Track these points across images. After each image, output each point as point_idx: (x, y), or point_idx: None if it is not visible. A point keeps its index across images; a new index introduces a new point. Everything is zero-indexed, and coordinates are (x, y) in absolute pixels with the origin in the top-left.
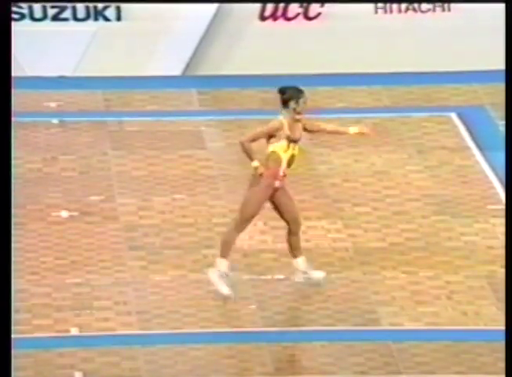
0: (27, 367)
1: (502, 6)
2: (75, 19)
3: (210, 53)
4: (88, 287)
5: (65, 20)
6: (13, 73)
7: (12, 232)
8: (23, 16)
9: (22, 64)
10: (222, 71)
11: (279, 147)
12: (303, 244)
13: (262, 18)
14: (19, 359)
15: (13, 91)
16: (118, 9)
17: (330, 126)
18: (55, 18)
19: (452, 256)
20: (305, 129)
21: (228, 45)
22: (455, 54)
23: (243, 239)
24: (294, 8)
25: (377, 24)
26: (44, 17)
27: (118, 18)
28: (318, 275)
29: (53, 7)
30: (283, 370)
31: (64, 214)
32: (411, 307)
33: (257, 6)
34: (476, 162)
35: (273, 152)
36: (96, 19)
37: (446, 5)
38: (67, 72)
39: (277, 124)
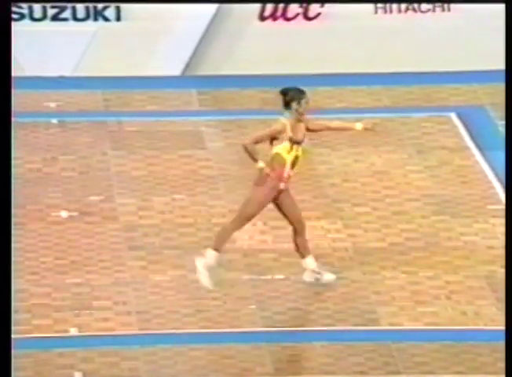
0: (26, 367)
1: (501, 6)
2: (75, 19)
3: (210, 53)
4: (88, 287)
5: (65, 20)
6: (13, 73)
7: (12, 232)
8: (22, 16)
9: (22, 64)
10: (222, 71)
11: (282, 148)
12: None
13: (262, 18)
14: (18, 359)
15: (13, 91)
16: (118, 9)
17: (334, 123)
18: (55, 18)
19: (452, 256)
20: (308, 130)
21: (227, 45)
22: (454, 54)
23: (243, 239)
24: (294, 8)
25: (377, 24)
26: (44, 17)
27: (118, 18)
28: (328, 277)
29: (52, 7)
30: (282, 370)
31: (64, 214)
32: (411, 307)
33: (257, 6)
34: (475, 162)
35: (277, 154)
36: (95, 19)
37: (446, 5)
38: (67, 72)
39: (280, 126)
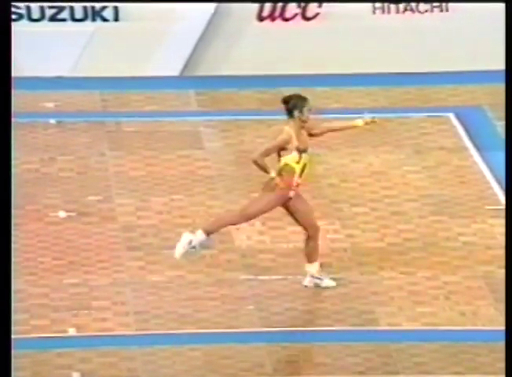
0: (24, 367)
1: (500, 7)
2: (73, 19)
3: (208, 54)
4: (86, 288)
5: (63, 20)
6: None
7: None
8: (20, 17)
9: (20, 64)
10: (220, 71)
11: (291, 159)
12: (301, 245)
13: (260, 18)
14: (17, 359)
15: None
16: (116, 10)
17: (335, 124)
18: (53, 18)
19: (450, 256)
20: (311, 135)
21: (225, 45)
22: (452, 55)
23: (241, 240)
24: (292, 8)
25: (375, 25)
26: (42, 18)
27: (116, 18)
28: (328, 283)
29: (50, 7)
30: (281, 370)
31: (62, 214)
32: (409, 307)
33: (255, 7)
34: (474, 162)
35: (286, 165)
36: (93, 19)
37: (444, 5)
38: (65, 72)
39: (286, 137)
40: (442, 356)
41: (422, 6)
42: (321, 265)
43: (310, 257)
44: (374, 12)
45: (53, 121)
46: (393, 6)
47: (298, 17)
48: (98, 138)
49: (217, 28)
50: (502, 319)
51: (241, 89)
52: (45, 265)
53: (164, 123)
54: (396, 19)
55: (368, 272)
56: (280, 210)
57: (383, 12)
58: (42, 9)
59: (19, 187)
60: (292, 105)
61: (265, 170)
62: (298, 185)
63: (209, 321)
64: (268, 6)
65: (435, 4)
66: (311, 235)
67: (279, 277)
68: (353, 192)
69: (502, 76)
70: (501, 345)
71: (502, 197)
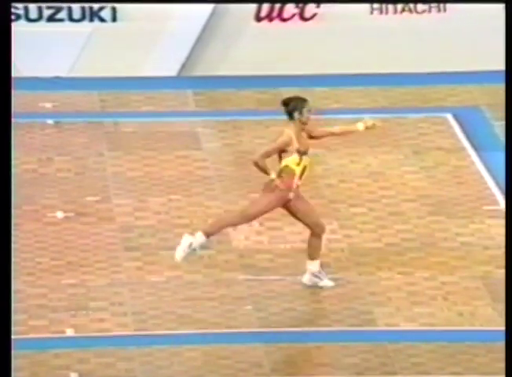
0: (22, 368)
1: (498, 7)
2: (71, 19)
3: (206, 54)
4: (83, 288)
5: (61, 20)
6: None
7: None
8: (18, 17)
9: (17, 64)
10: (218, 71)
11: (291, 161)
12: (299, 245)
13: (258, 19)
14: (15, 360)
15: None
16: (114, 10)
17: (336, 129)
18: (50, 19)
19: (448, 257)
20: (311, 137)
21: (223, 45)
22: (450, 55)
23: (239, 240)
24: (290, 8)
25: (373, 25)
26: (39, 18)
27: (114, 19)
28: (327, 283)
29: (48, 8)
30: (278, 371)
31: (60, 214)
32: (407, 308)
33: (253, 7)
34: (471, 162)
35: (286, 166)
36: (91, 20)
37: (442, 5)
38: (63, 73)
39: (286, 139)
40: (440, 357)
41: (420, 7)
42: (320, 265)
43: (312, 254)
44: (371, 13)
45: (50, 121)
46: (390, 7)
47: (296, 18)
48: (96, 138)
49: (215, 28)
50: (499, 319)
51: (239, 89)
52: (43, 265)
53: (162, 124)
54: (393, 19)
55: (366, 273)
56: (278, 210)
57: (381, 12)
58: (39, 9)
59: (17, 187)
60: (292, 107)
61: (265, 171)
62: (297, 187)
63: (207, 321)
64: (266, 7)
65: (433, 4)
66: (316, 233)
67: (277, 277)
68: (351, 192)
69: (500, 76)
70: (499, 345)
71: (500, 197)
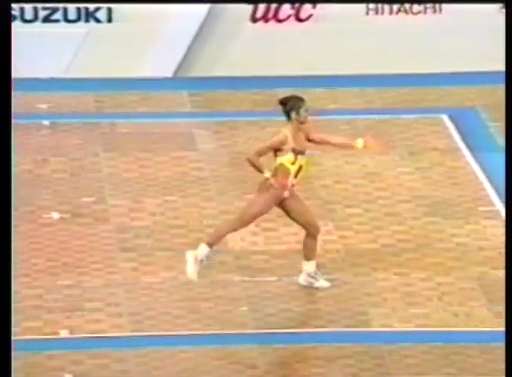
0: (17, 369)
1: (493, 8)
2: (66, 20)
3: (202, 55)
4: (79, 289)
5: (56, 21)
6: None
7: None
8: (14, 18)
9: (13, 65)
10: (214, 72)
11: (286, 160)
12: (295, 246)
13: (254, 20)
14: None
15: None
16: (110, 11)
17: (335, 139)
18: (46, 20)
19: (443, 257)
20: (308, 140)
21: (219, 46)
22: (446, 56)
23: (235, 241)
24: (286, 9)
25: (368, 26)
26: (35, 19)
27: (110, 19)
28: (322, 284)
29: (44, 9)
30: (274, 372)
31: (56, 215)
32: (403, 308)
33: (249, 8)
34: (467, 163)
35: (281, 165)
36: (87, 20)
37: (437, 6)
38: (59, 74)
39: (282, 138)
40: (435, 358)
41: (416, 7)
42: (316, 266)
43: (307, 255)
44: (367, 14)
45: (46, 122)
46: (386, 7)
47: (292, 19)
48: (92, 139)
49: (211, 29)
50: (495, 320)
51: (235, 90)
52: (38, 266)
53: (158, 125)
54: (389, 20)
55: (362, 274)
56: (274, 211)
57: (376, 13)
58: (35, 10)
59: (12, 188)
60: (289, 107)
61: (258, 168)
62: (293, 186)
63: (202, 322)
64: (261, 8)
65: (428, 5)
66: (311, 233)
67: (273, 278)
68: (347, 193)
69: (496, 77)
70: (494, 346)
71: (495, 198)
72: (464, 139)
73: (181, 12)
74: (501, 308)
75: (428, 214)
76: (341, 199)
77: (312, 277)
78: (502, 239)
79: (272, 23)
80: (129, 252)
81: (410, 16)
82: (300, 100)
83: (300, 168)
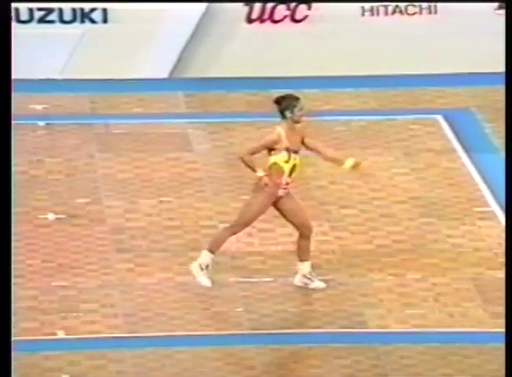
0: (13, 370)
1: (488, 9)
2: (62, 21)
3: (197, 56)
4: (75, 290)
5: (51, 22)
6: None
7: None
8: None
9: None
10: (209, 73)
11: (280, 158)
12: (290, 247)
13: (249, 20)
14: None
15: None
16: (105, 12)
17: (328, 152)
18: (41, 20)
19: (439, 258)
20: (302, 143)
21: (214, 47)
22: (441, 57)
23: (231, 242)
24: (281, 10)
25: (364, 27)
26: (30, 20)
27: (105, 20)
28: (318, 285)
29: (39, 9)
30: (270, 373)
31: (51, 216)
32: (399, 309)
33: (244, 9)
34: (462, 164)
35: (275, 163)
36: (82, 21)
37: (433, 7)
38: (54, 75)
39: (275, 137)
40: (431, 358)
41: (411, 8)
42: (312, 267)
43: (301, 256)
44: (363, 15)
45: (41, 123)
46: (381, 8)
47: (287, 19)
48: (87, 140)
49: (206, 30)
50: (490, 321)
51: (230, 91)
52: (33, 267)
53: (153, 125)
54: (384, 21)
55: (357, 274)
56: (269, 212)
57: (372, 14)
58: (30, 10)
59: None
60: (284, 106)
61: (251, 167)
62: (287, 184)
63: (198, 323)
64: (257, 8)
65: (424, 6)
66: (304, 234)
67: (269, 279)
68: (342, 194)
69: (491, 78)
70: (490, 346)
71: (490, 199)
72: (459, 140)
73: (177, 13)
74: (496, 308)
75: (423, 214)
76: (336, 200)
77: (308, 278)
78: (498, 239)
79: (267, 24)
80: (124, 253)
81: (405, 17)
82: (295, 99)
83: (294, 167)
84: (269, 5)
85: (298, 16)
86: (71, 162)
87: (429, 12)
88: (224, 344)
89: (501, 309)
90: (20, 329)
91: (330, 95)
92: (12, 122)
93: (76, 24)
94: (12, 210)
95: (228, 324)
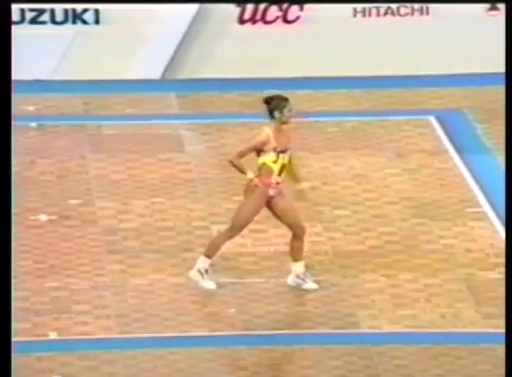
0: None
1: (480, 9)
2: (53, 22)
3: (189, 57)
4: (67, 291)
5: (43, 23)
6: None
7: None
8: None
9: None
10: (201, 74)
11: (268, 159)
12: (283, 247)
13: (241, 21)
14: None
15: None
16: (97, 13)
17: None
18: (33, 21)
19: (431, 259)
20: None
21: (207, 48)
22: (433, 57)
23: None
24: (273, 11)
25: (356, 28)
26: (22, 20)
27: (97, 21)
28: (311, 286)
29: (30, 10)
30: (262, 373)
31: (43, 217)
32: (391, 310)
33: (237, 10)
34: (454, 165)
35: (264, 164)
36: (74, 22)
37: (424, 8)
38: (46, 76)
39: (264, 137)
40: (423, 359)
41: (403, 9)
42: (305, 267)
43: (295, 256)
44: (355, 16)
45: (33, 124)
46: (373, 9)
47: (279, 20)
48: (79, 141)
49: (199, 31)
50: (482, 321)
51: (222, 92)
52: (26, 268)
53: (145, 126)
54: (376, 22)
55: (350, 275)
56: (262, 213)
57: (364, 15)
58: (22, 11)
59: None
60: (273, 106)
61: (241, 170)
62: (278, 183)
63: (191, 324)
64: (249, 9)
65: (416, 7)
66: (297, 234)
67: (261, 280)
68: (335, 194)
69: (483, 79)
70: (481, 347)
71: (482, 200)
72: (451, 141)
73: (169, 14)
74: (488, 309)
75: (415, 215)
76: (329, 201)
77: (301, 278)
78: (490, 240)
79: (259, 25)
80: (117, 254)
81: (397, 18)
82: (284, 99)
83: (283, 166)
84: (261, 5)
85: (290, 17)
86: (64, 163)
87: (421, 13)
88: (216, 345)
89: (493, 309)
90: (13, 330)
91: (323, 96)
92: None
93: (68, 25)
94: None
95: (221, 325)
